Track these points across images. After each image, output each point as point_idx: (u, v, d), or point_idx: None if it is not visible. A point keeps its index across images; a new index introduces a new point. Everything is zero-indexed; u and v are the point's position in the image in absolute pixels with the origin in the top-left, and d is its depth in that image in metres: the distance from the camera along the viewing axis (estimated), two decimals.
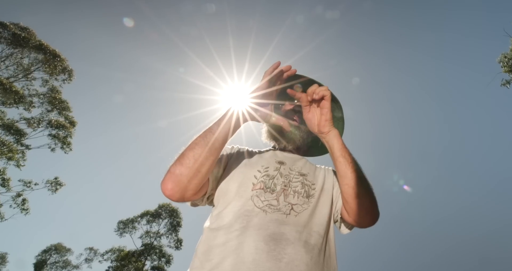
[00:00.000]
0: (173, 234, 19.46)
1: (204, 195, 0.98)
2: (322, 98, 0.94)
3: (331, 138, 0.96)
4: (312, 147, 1.23)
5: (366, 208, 0.91)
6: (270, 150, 1.18)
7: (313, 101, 0.96)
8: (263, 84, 0.94)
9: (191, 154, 0.86)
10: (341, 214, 1.00)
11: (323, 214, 0.95)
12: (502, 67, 8.82)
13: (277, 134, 1.15)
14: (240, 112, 0.96)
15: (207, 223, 0.94)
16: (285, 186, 0.96)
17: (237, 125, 0.96)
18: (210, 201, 1.02)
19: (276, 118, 1.04)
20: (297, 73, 1.02)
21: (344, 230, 1.04)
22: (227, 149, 1.11)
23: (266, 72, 0.95)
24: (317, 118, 0.97)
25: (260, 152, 1.14)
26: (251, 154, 1.10)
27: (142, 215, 19.85)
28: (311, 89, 0.93)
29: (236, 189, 0.94)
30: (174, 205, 19.99)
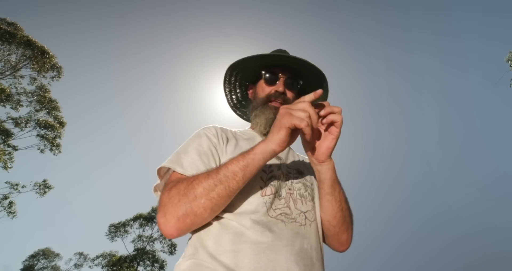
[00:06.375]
0: (167, 239, 19.33)
1: None
2: (331, 123, 0.82)
3: (325, 170, 0.86)
4: None
5: (342, 242, 0.96)
6: (255, 135, 1.08)
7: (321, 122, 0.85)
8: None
9: (209, 205, 0.74)
10: None
11: (319, 225, 0.94)
12: (510, 65, 8.59)
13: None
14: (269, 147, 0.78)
15: (210, 235, 0.80)
16: (289, 189, 0.91)
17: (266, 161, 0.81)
18: None
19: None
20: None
21: None
22: (213, 141, 0.95)
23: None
24: (318, 142, 0.85)
25: (247, 139, 1.05)
26: (242, 144, 0.99)
27: (135, 218, 19.70)
28: (326, 111, 0.80)
29: (241, 197, 0.82)
30: None
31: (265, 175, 0.91)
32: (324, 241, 0.98)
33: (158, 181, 0.92)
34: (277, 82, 1.08)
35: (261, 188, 0.87)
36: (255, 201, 0.84)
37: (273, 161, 0.96)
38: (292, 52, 1.16)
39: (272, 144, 0.76)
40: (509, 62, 8.72)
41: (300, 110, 0.73)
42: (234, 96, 1.28)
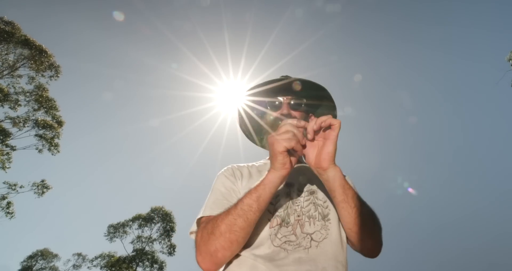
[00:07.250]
0: (166, 239, 19.46)
1: None
2: (328, 128, 0.87)
3: (331, 177, 0.88)
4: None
5: (369, 248, 0.94)
6: (267, 164, 1.16)
7: (318, 130, 0.89)
8: None
9: (234, 238, 0.84)
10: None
11: (343, 237, 0.96)
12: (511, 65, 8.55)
13: None
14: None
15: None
16: (298, 215, 0.95)
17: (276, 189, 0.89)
18: None
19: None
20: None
21: None
22: (231, 179, 1.07)
23: None
24: (317, 149, 0.89)
25: (260, 171, 1.12)
26: (255, 177, 1.07)
27: (134, 219, 19.75)
28: (321, 118, 0.86)
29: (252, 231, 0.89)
30: (167, 208, 20.11)
31: (272, 207, 0.96)
32: (355, 248, 1.00)
33: (195, 228, 0.99)
34: (281, 106, 1.16)
35: (269, 220, 0.93)
36: (262, 234, 0.91)
37: (283, 189, 1.02)
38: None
39: (277, 171, 0.84)
40: (510, 61, 8.71)
41: (284, 133, 0.82)
42: (257, 138, 1.36)
